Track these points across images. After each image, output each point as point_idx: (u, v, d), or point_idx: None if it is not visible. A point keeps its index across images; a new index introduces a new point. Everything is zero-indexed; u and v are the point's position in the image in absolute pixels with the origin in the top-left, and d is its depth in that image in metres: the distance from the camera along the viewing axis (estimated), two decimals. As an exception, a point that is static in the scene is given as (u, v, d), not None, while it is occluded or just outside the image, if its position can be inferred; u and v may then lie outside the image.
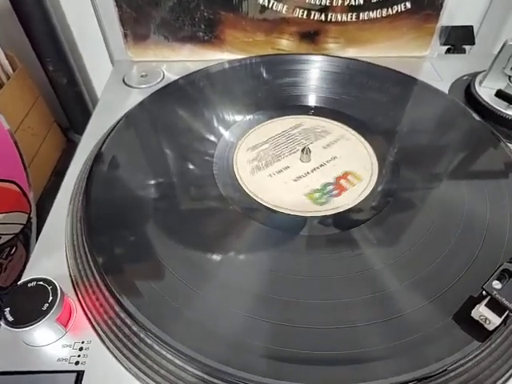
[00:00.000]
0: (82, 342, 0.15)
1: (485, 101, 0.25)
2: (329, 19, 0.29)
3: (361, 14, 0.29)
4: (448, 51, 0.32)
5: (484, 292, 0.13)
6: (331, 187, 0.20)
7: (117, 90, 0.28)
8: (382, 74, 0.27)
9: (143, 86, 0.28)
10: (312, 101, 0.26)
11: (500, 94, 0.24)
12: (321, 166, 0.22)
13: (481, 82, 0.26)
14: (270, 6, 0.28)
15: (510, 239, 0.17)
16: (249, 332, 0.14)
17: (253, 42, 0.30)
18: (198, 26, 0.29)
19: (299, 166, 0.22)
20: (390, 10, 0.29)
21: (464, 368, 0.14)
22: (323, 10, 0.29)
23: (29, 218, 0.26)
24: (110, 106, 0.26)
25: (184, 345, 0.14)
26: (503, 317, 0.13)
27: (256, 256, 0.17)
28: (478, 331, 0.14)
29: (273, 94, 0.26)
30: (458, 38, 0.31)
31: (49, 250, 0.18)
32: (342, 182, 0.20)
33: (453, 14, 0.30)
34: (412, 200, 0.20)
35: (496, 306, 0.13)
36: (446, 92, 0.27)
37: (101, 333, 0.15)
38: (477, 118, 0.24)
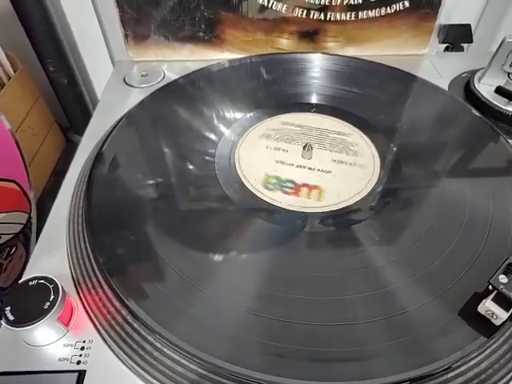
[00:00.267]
0: (84, 342, 0.15)
1: (484, 97, 0.25)
2: (328, 18, 0.29)
3: (360, 13, 0.29)
4: (446, 49, 0.33)
5: (490, 286, 0.13)
6: (290, 185, 0.20)
7: (117, 89, 0.28)
8: (383, 72, 0.28)
9: (144, 85, 0.28)
10: (314, 99, 0.26)
11: (500, 91, 0.24)
12: (309, 169, 0.21)
13: (480, 79, 0.26)
14: (270, 5, 0.29)
15: (514, 234, 0.17)
16: (256, 330, 0.14)
17: (253, 42, 0.30)
18: (198, 26, 0.29)
19: (294, 157, 0.22)
20: (388, 8, 0.29)
21: (471, 364, 0.14)
22: (322, 9, 0.29)
23: (29, 218, 0.26)
24: (110, 105, 0.26)
25: (188, 343, 0.13)
26: (511, 311, 0.13)
27: (260, 253, 0.17)
28: (484, 327, 0.14)
29: (274, 92, 0.26)
30: (456, 36, 0.31)
31: (50, 249, 0.18)
32: (304, 189, 0.20)
33: (451, 13, 0.30)
34: (415, 196, 0.20)
35: (503, 301, 0.13)
36: (446, 89, 0.27)
37: (103, 332, 0.15)
38: (477, 114, 0.24)
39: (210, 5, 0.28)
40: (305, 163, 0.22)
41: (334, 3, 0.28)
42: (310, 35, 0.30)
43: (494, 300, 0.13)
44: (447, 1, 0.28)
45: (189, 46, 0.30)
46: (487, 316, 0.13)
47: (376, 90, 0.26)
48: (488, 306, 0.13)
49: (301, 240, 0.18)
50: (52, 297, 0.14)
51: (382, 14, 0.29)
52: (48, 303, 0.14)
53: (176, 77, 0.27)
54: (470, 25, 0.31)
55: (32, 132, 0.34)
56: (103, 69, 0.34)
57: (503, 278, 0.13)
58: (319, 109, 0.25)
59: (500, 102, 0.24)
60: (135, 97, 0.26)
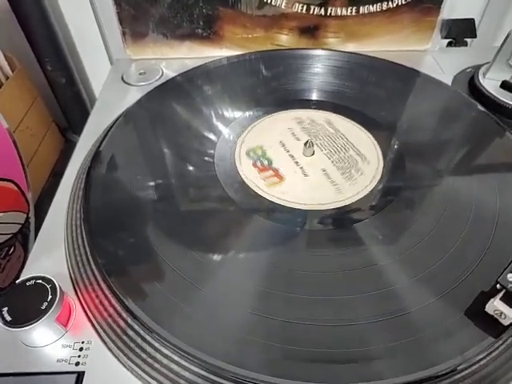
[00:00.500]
0: (83, 342, 0.15)
1: (490, 92, 0.25)
2: (328, 13, 0.29)
3: (361, 8, 0.29)
4: (449, 44, 0.32)
5: (498, 285, 0.13)
6: (265, 162, 0.21)
7: (115, 88, 0.28)
8: (385, 68, 0.27)
9: (142, 83, 0.28)
10: (314, 95, 0.26)
11: (505, 85, 0.24)
12: (296, 163, 0.21)
13: (484, 74, 0.26)
14: (269, 1, 0.28)
15: (521, 231, 0.17)
16: (257, 330, 0.14)
17: (252, 38, 0.30)
18: (196, 23, 0.29)
19: (297, 148, 0.22)
20: (389, 3, 0.29)
21: (478, 366, 0.13)
22: (323, 4, 0.28)
23: (27, 218, 0.26)
24: (108, 104, 0.26)
25: (187, 343, 0.13)
26: (519, 310, 0.13)
27: (260, 252, 0.17)
28: (492, 327, 0.13)
29: (275, 89, 0.26)
30: (460, 31, 0.31)
31: (48, 249, 0.18)
32: (269, 172, 0.21)
33: (454, 7, 0.29)
34: (419, 194, 0.20)
35: (511, 300, 0.13)
36: (449, 85, 0.27)
37: (101, 332, 0.15)
38: (482, 109, 0.23)
39: (208, 1, 0.28)
40: (298, 156, 0.22)
41: (334, -2, 0.28)
42: (311, 31, 0.30)
43: (503, 299, 0.13)
44: (450, -5, 0.28)
45: (187, 43, 0.30)
46: (495, 316, 0.13)
47: (379, 85, 0.26)
48: (496, 306, 0.13)
49: (301, 239, 0.17)
50: (50, 297, 0.14)
51: (384, 9, 0.29)
52: (46, 303, 0.14)
53: (174, 74, 0.27)
54: (473, 19, 0.31)
55: (30, 132, 0.34)
56: (101, 68, 0.33)
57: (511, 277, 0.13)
58: (322, 105, 0.25)
59: (505, 97, 0.24)
60: (133, 95, 0.26)
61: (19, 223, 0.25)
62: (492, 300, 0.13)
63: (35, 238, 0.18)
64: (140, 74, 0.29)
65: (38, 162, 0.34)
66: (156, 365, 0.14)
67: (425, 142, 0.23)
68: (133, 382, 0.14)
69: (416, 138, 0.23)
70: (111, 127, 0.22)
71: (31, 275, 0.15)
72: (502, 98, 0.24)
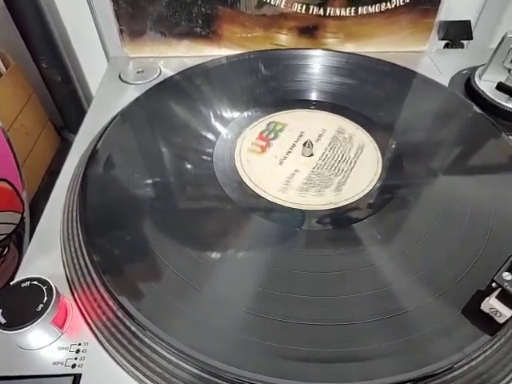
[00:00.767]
0: (79, 344, 0.14)
1: (485, 94, 0.25)
2: (327, 14, 0.29)
3: (359, 9, 0.29)
4: (446, 46, 0.32)
5: (494, 284, 0.13)
6: (278, 128, 0.23)
7: (112, 86, 0.28)
8: (384, 69, 0.27)
9: (139, 82, 0.28)
10: (313, 95, 0.26)
11: (501, 87, 0.24)
12: (288, 152, 0.22)
13: (481, 76, 0.26)
14: (268, 0, 0.28)
15: (517, 231, 0.17)
16: (255, 330, 0.14)
17: (251, 38, 0.30)
18: (195, 22, 0.29)
19: (289, 143, 0.22)
20: (388, 4, 0.29)
21: (474, 363, 0.13)
22: (322, 4, 0.28)
23: (22, 218, 0.25)
24: (105, 102, 0.26)
25: (185, 344, 0.13)
26: (514, 309, 0.13)
27: (258, 252, 0.17)
28: (488, 325, 0.14)
29: (273, 89, 0.26)
30: (456, 33, 0.31)
31: (43, 249, 0.17)
32: (260, 144, 0.22)
33: (450, 9, 0.30)
34: (416, 194, 0.20)
35: (507, 298, 0.13)
36: (446, 86, 0.27)
37: (98, 334, 0.15)
38: (478, 110, 0.24)
39: (207, 0, 0.28)
40: (296, 150, 0.22)
41: (333, -2, 0.28)
42: (310, 31, 0.30)
43: (498, 298, 0.13)
44: (447, -3, 0.28)
45: (185, 42, 0.30)
46: (491, 314, 0.13)
47: (378, 86, 0.26)
48: (492, 304, 0.13)
49: (299, 238, 0.17)
50: (45, 298, 0.14)
51: (382, 10, 0.29)
52: (41, 305, 0.13)
53: (172, 73, 0.27)
54: (469, 21, 0.31)
55: (25, 131, 0.33)
56: (98, 66, 0.33)
57: (507, 276, 0.13)
58: (321, 106, 0.25)
59: (501, 99, 0.24)
60: (131, 94, 0.26)
61: (14, 223, 0.24)
62: (488, 298, 0.13)
63: (30, 239, 0.18)
64: (138, 72, 0.29)
65: (34, 161, 0.34)
66: (154, 366, 0.14)
67: (422, 142, 0.23)
68: (130, 383, 0.14)
69: (413, 139, 0.23)
70: (108, 126, 0.22)
71: (26, 276, 0.14)
72: (497, 100, 0.24)
